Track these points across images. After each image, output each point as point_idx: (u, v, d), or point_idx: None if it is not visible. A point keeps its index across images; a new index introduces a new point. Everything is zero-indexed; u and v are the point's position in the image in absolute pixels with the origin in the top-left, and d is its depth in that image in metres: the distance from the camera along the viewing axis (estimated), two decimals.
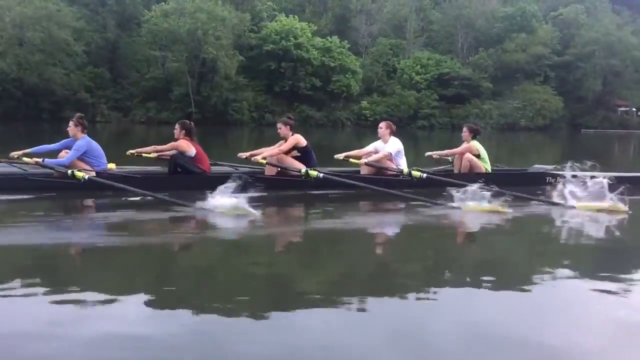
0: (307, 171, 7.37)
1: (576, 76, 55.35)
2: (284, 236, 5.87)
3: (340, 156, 8.39)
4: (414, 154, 9.12)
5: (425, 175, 7.80)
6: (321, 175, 7.34)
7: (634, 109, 58.86)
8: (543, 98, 53.23)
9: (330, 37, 54.67)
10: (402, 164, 8.17)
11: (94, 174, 7.00)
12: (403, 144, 8.33)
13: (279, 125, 8.01)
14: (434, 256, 5.15)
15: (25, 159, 6.99)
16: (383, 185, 7.43)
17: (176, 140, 7.55)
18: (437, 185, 7.51)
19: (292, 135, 7.89)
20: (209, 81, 47.91)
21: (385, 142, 8.26)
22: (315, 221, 6.63)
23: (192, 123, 7.95)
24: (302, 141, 7.90)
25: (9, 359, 2.70)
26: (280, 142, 8.01)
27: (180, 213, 6.30)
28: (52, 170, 7.00)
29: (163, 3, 47.80)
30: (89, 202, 6.92)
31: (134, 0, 49.49)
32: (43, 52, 41.93)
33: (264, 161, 7.74)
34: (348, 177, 7.68)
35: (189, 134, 7.57)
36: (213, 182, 6.40)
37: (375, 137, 8.73)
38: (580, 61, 55.14)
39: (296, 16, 53.75)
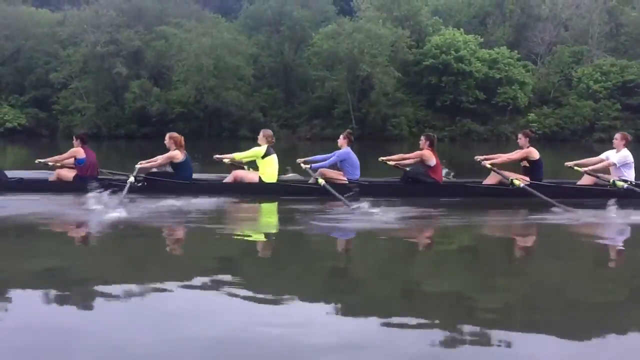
0: (512, 180, 8.43)
1: None
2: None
3: (570, 164, 9.08)
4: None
5: (626, 185, 8.26)
6: (522, 185, 8.33)
7: None
8: None
9: (499, 47, 52.65)
10: (629, 175, 8.54)
11: (344, 178, 8.92)
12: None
13: (519, 135, 9.17)
14: None
15: (304, 165, 9.23)
16: (593, 195, 8.14)
17: (421, 150, 8.94)
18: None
19: (528, 147, 8.86)
20: (367, 98, 49.37)
21: (619, 151, 8.76)
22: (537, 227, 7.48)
23: (435, 135, 9.46)
24: (535, 154, 8.83)
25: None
26: (517, 150, 9.09)
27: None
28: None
29: (330, 25, 50.63)
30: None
31: (304, 25, 53.05)
32: (217, 78, 47.21)
33: (489, 166, 8.90)
34: (558, 186, 8.73)
35: (432, 146, 8.92)
36: (444, 191, 8.76)
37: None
38: None
39: (461, 29, 52.77)
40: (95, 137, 48.37)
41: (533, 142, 9.01)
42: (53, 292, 4.34)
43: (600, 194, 8.14)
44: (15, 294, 4.34)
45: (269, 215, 8.32)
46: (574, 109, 49.28)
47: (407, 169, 9.31)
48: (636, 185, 8.39)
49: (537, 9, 58.11)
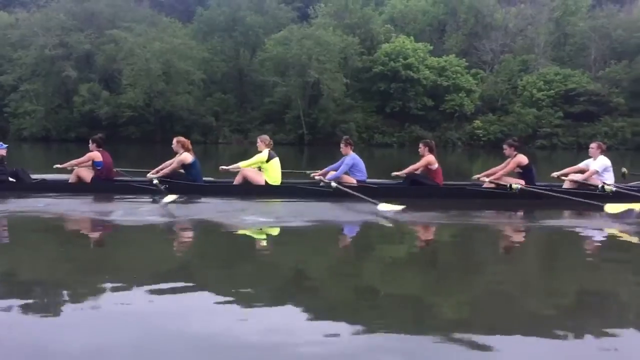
0: (510, 185, 8.96)
1: None
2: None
3: (557, 174, 9.64)
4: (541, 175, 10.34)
5: (614, 189, 8.82)
6: (519, 187, 8.91)
7: None
8: None
9: (448, 56, 53.85)
10: (609, 179, 9.17)
11: (355, 182, 9.41)
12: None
13: (504, 146, 9.69)
14: None
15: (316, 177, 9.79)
16: (581, 197, 8.54)
17: (422, 156, 9.51)
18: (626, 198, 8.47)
19: (516, 155, 9.43)
20: (316, 103, 50.10)
21: (595, 159, 9.36)
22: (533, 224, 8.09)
23: (433, 141, 10.12)
24: (524, 160, 9.39)
25: None
26: (507, 161, 9.58)
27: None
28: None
29: (281, 32, 51.28)
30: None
31: (257, 31, 53.62)
32: (166, 82, 47.54)
33: (486, 179, 9.45)
34: (550, 189, 9.15)
35: (431, 151, 9.52)
36: (446, 194, 9.43)
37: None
38: None
39: (412, 37, 53.84)
40: (45, 140, 48.40)
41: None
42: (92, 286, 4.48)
43: (592, 197, 8.51)
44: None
45: (273, 216, 8.28)
46: (518, 117, 50.53)
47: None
48: (622, 188, 9.00)
49: (489, 19, 59.48)
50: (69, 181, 9.71)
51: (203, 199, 9.04)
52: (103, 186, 9.50)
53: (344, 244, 6.82)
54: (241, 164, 9.58)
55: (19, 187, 9.65)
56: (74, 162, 9.75)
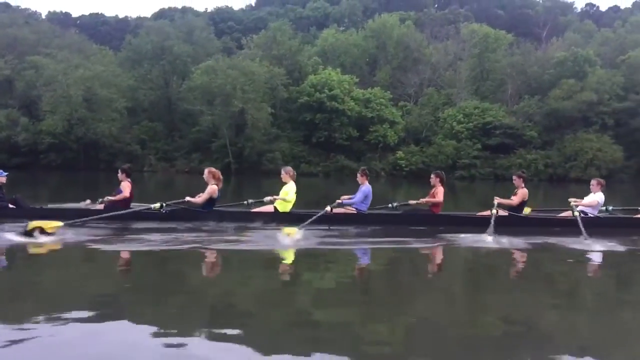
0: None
1: (637, 124, 50.29)
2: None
3: (571, 200, 10.84)
4: (453, 205, 11.35)
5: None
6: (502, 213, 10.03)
7: None
8: (596, 147, 48.99)
9: (372, 88, 55.37)
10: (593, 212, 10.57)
11: (355, 211, 10.05)
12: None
13: (514, 177, 10.77)
14: None
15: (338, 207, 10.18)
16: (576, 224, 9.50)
17: (433, 186, 10.34)
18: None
19: (523, 187, 10.48)
20: (242, 133, 50.49)
21: (595, 194, 10.78)
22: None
23: (443, 173, 10.93)
24: (527, 194, 10.51)
25: None
26: (516, 191, 10.61)
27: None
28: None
29: (207, 62, 51.71)
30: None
31: (185, 60, 53.93)
32: (88, 109, 47.11)
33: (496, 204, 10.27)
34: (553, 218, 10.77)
35: (442, 183, 10.35)
36: (439, 221, 10.05)
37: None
38: None
39: (338, 69, 55.20)
40: None
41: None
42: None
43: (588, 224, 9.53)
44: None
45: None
46: (439, 148, 52.14)
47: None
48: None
49: (417, 53, 61.59)
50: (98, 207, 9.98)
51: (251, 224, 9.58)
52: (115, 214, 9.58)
53: (283, 270, 6.98)
54: (281, 194, 10.11)
55: (20, 214, 9.57)
56: (116, 198, 9.96)
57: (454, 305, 5.35)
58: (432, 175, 10.57)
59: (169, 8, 78.32)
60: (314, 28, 76.93)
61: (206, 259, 7.40)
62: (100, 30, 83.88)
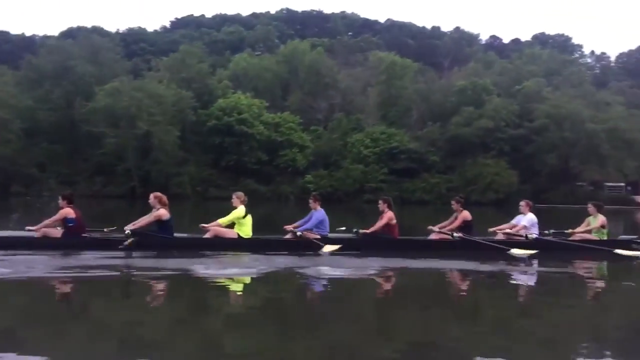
0: (452, 234, 10.29)
1: (531, 150, 53.46)
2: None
3: (493, 229, 11.09)
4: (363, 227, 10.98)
5: (535, 236, 10.46)
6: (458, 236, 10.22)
7: (585, 183, 56.38)
8: (494, 172, 51.50)
9: (282, 113, 55.87)
10: (535, 232, 10.66)
11: (319, 236, 9.95)
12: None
13: (452, 201, 11.01)
14: None
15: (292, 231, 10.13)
16: (507, 246, 10.09)
17: (382, 212, 10.32)
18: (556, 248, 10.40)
19: (462, 211, 10.66)
20: (148, 156, 49.41)
21: (525, 215, 10.90)
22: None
23: (389, 198, 10.74)
24: (469, 216, 10.66)
25: None
26: (455, 215, 10.80)
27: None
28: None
29: (111, 83, 50.40)
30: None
31: (89, 81, 52.30)
32: None
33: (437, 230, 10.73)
34: (489, 240, 10.57)
35: (390, 207, 10.32)
36: (399, 245, 10.20)
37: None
38: (535, 134, 53.39)
39: (248, 93, 55.33)
40: None
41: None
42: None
43: (522, 245, 10.16)
44: None
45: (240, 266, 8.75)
46: (347, 172, 53.10)
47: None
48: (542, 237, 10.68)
49: (328, 79, 62.75)
50: (36, 235, 9.30)
51: (175, 253, 9.16)
52: (73, 242, 9.14)
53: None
54: (220, 220, 9.83)
55: None
56: (47, 222, 9.33)
57: (381, 327, 5.41)
58: (380, 201, 10.74)
59: (78, 27, 75.71)
60: (228, 52, 76.87)
61: (133, 288, 7.20)
62: (3, 48, 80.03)
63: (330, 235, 10.46)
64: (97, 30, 71.94)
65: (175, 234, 9.85)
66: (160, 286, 7.25)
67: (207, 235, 9.86)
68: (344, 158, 55.59)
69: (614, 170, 53.44)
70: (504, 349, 4.56)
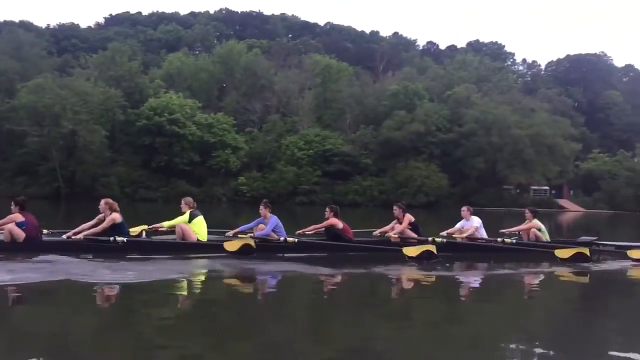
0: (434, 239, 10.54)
1: (460, 154, 54.87)
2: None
3: (444, 233, 11.37)
4: (292, 229, 11.11)
5: (514, 240, 11.11)
6: (443, 240, 10.61)
7: (512, 187, 58.50)
8: (424, 175, 52.52)
9: (215, 113, 55.22)
10: (484, 234, 11.33)
11: (282, 239, 10.17)
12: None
13: (395, 207, 11.21)
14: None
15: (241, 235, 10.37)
16: (480, 249, 10.83)
17: (327, 219, 10.61)
18: (521, 251, 10.71)
19: (405, 215, 10.96)
20: (74, 156, 47.83)
21: (468, 220, 11.41)
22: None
23: (337, 206, 11.15)
24: (412, 218, 11.00)
25: None
26: (398, 220, 11.05)
27: None
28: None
29: (35, 79, 48.53)
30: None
31: (12, 77, 50.22)
32: None
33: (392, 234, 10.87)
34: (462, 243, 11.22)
35: (336, 215, 10.67)
36: (357, 247, 10.42)
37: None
38: (465, 139, 54.82)
39: (180, 93, 54.42)
40: None
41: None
42: None
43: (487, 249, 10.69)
44: None
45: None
46: (280, 174, 52.96)
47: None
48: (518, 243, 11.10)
49: (264, 80, 62.51)
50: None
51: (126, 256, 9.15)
52: (28, 246, 9.04)
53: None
54: (165, 223, 10.14)
55: None
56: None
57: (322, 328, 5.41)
58: (327, 209, 10.97)
59: (4, 21, 72.55)
60: (164, 51, 75.44)
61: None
62: None
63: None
64: (24, 25, 69.30)
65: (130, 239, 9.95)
66: (90, 291, 6.88)
67: (177, 233, 10.13)
68: (278, 160, 55.45)
69: (537, 174, 55.39)
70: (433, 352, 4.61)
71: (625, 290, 8.43)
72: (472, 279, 8.85)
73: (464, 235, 11.25)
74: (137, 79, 54.10)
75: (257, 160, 55.75)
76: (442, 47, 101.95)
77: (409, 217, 11.00)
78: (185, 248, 9.85)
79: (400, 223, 10.93)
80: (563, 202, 60.69)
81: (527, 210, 11.91)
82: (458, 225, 11.52)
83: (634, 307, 7.05)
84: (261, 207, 10.77)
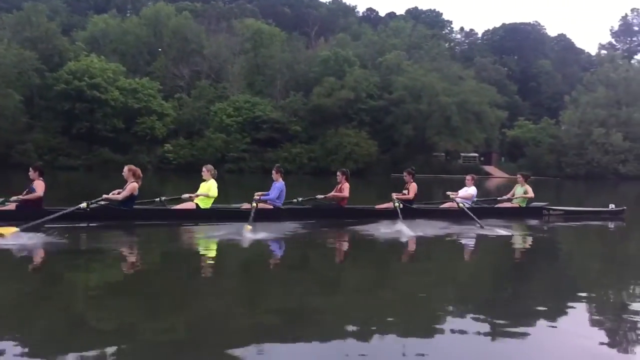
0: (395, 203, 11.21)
1: (390, 121, 55.15)
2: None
3: (449, 193, 12.46)
4: (223, 198, 11.38)
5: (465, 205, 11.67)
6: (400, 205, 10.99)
7: (444, 154, 59.46)
8: (354, 142, 52.59)
9: (141, 78, 53.41)
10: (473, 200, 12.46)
11: (272, 206, 10.59)
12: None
13: (404, 173, 11.99)
14: None
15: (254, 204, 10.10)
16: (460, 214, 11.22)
17: (341, 184, 11.16)
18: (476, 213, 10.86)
19: (412, 182, 11.65)
20: None
21: (469, 186, 12.52)
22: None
23: (347, 170, 11.54)
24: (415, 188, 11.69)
25: None
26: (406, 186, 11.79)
27: None
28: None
29: None
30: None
31: None
32: None
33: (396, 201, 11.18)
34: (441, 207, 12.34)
35: (347, 179, 11.24)
36: (346, 214, 11.06)
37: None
38: (394, 106, 55.05)
39: (103, 57, 52.27)
40: None
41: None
42: None
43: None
44: None
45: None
46: (208, 141, 51.95)
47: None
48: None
49: (194, 45, 60.74)
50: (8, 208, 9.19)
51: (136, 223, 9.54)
52: (33, 214, 8.65)
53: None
54: (200, 192, 10.31)
55: None
56: (30, 197, 9.20)
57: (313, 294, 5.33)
58: (338, 173, 11.37)
59: None
60: (92, 12, 72.12)
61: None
62: None
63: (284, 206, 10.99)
64: None
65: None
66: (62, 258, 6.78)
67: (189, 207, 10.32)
68: (207, 127, 54.33)
69: (464, 141, 56.29)
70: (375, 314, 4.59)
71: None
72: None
73: (460, 195, 12.35)
74: (56, 40, 51.51)
75: (185, 127, 54.42)
76: (382, 14, 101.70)
77: (414, 186, 11.68)
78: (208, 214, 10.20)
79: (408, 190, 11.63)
80: (489, 168, 62.13)
81: (519, 175, 13.22)
82: (461, 191, 12.61)
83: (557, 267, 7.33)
84: (273, 172, 11.07)
